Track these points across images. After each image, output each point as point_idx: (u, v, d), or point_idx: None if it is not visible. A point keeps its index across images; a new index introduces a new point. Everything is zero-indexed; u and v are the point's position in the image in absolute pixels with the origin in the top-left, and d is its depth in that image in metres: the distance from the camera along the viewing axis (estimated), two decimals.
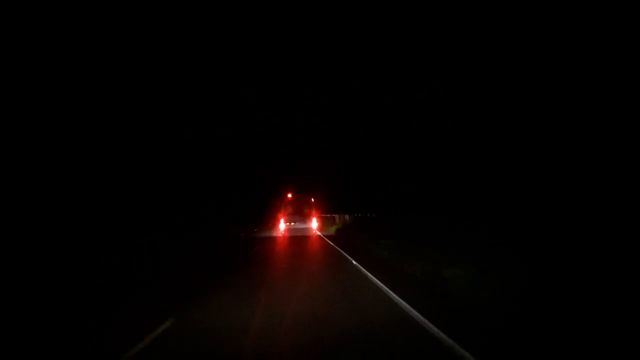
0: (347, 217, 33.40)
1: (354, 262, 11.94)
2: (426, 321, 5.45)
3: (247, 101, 28.91)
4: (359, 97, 23.55)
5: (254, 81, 26.43)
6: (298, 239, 22.50)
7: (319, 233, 26.32)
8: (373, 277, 9.06)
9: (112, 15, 14.77)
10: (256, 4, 17.97)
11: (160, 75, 18.94)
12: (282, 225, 26.88)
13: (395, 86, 18.36)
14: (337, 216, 35.79)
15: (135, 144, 18.13)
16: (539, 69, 10.61)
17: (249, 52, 22.91)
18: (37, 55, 12.89)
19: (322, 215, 33.96)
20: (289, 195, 28.99)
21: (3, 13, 11.86)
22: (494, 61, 12.24)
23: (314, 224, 27.35)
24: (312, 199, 28.38)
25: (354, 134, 26.69)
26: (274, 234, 26.73)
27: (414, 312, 5.94)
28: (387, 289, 7.79)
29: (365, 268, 10.43)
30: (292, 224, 27.17)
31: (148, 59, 17.69)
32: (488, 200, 12.30)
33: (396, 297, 7.04)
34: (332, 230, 29.44)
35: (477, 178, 13.30)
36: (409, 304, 6.40)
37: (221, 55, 22.57)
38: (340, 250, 15.54)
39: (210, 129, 28.81)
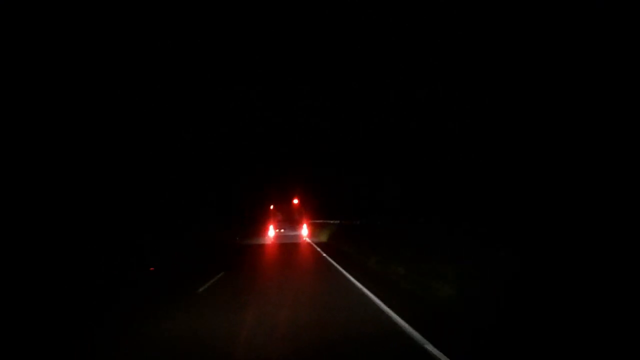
0: (340, 223, 32.68)
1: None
2: None
3: (247, 101, 28.81)
4: (359, 97, 23.49)
5: (254, 81, 26.34)
6: (288, 246, 22.52)
7: (309, 240, 25.98)
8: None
9: (112, 15, 14.75)
10: (256, 4, 17.93)
11: (160, 75, 18.91)
12: (272, 232, 26.06)
13: (396, 86, 18.33)
14: (329, 222, 35.09)
15: (135, 144, 18.12)
16: (539, 69, 10.59)
17: (249, 52, 22.86)
18: (36, 55, 12.87)
19: (313, 221, 33.40)
20: (279, 202, 28.12)
21: (3, 13, 11.85)
22: (494, 61, 12.22)
23: (304, 231, 26.54)
24: (303, 205, 27.64)
25: (353, 134, 26.58)
26: (263, 242, 26.30)
27: None
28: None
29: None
30: (282, 230, 26.34)
31: (148, 59, 17.66)
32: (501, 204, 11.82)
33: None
34: (323, 237, 29.18)
35: (483, 178, 13.16)
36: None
37: (221, 55, 22.52)
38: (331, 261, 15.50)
39: (210, 129, 28.72)
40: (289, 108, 30.25)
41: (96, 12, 14.08)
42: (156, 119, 19.79)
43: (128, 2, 15.02)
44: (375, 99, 21.24)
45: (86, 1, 13.90)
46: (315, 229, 32.29)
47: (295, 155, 40.78)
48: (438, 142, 16.48)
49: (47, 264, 10.47)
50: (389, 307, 6.86)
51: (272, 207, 27.02)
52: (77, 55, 14.22)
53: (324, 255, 17.19)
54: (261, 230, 30.85)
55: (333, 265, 13.50)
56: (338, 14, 17.81)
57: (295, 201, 28.17)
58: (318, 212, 36.18)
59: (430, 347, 4.81)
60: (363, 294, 8.28)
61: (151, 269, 13.72)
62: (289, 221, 26.41)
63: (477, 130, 13.78)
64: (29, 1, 12.62)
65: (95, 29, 14.49)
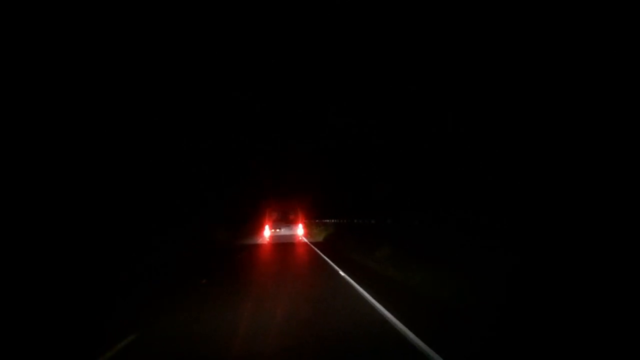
0: (336, 222, 33.16)
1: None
2: None
3: (247, 102, 28.86)
4: (359, 97, 23.62)
5: (253, 85, 26.39)
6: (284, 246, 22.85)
7: (305, 240, 26.01)
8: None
9: (112, 18, 14.81)
10: (255, 8, 18.04)
11: (161, 79, 18.95)
12: (267, 232, 25.76)
13: (395, 86, 18.46)
14: (326, 222, 35.47)
15: (138, 149, 18.23)
16: (533, 68, 10.62)
17: (249, 55, 22.93)
18: (40, 57, 12.84)
19: (310, 221, 33.45)
20: (275, 201, 27.76)
21: (3, 13, 11.80)
22: (493, 61, 12.29)
23: (300, 230, 26.35)
24: (299, 205, 27.40)
25: (352, 134, 26.65)
26: (258, 242, 26.41)
27: None
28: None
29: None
30: (278, 230, 25.99)
31: (148, 60, 17.71)
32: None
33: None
34: (320, 237, 29.21)
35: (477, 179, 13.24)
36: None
37: (220, 57, 22.60)
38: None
39: (209, 132, 28.71)
40: (288, 108, 30.39)
41: (97, 15, 14.13)
42: (156, 124, 19.87)
43: (129, 3, 15.08)
44: (374, 99, 21.38)
45: (87, 7, 13.91)
46: (312, 229, 32.22)
47: (285, 158, 41.05)
48: (427, 147, 16.69)
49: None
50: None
51: (267, 206, 26.62)
52: (79, 57, 14.25)
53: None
54: (256, 230, 30.40)
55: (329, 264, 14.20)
56: (337, 16, 17.90)
57: (291, 201, 27.89)
58: (315, 211, 36.23)
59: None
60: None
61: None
62: (285, 220, 25.98)
63: (465, 133, 13.88)
64: (29, 2, 12.59)
65: (95, 32, 14.54)
